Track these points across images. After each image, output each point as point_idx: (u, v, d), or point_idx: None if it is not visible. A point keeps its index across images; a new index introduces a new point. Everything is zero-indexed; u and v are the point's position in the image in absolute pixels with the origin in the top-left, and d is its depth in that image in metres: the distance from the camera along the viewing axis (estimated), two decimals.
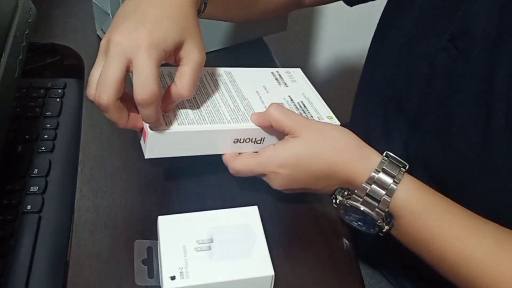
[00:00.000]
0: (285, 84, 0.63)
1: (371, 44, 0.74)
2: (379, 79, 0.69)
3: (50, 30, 0.84)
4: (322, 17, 1.36)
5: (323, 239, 0.59)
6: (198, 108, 0.56)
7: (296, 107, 0.60)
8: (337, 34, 1.38)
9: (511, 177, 0.52)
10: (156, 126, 0.52)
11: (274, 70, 0.65)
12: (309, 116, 0.59)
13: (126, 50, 0.48)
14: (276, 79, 0.64)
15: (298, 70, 0.67)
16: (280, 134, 0.56)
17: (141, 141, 0.55)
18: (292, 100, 0.61)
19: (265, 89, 0.61)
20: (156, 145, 0.53)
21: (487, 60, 0.52)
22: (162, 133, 0.52)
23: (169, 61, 0.53)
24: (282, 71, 0.66)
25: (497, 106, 0.51)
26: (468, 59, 0.54)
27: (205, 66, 0.62)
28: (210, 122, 0.55)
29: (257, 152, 0.57)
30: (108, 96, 0.48)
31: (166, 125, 0.53)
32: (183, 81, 0.51)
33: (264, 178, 0.56)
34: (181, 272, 0.49)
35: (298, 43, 1.40)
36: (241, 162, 0.56)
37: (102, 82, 0.48)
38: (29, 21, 0.70)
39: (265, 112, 0.55)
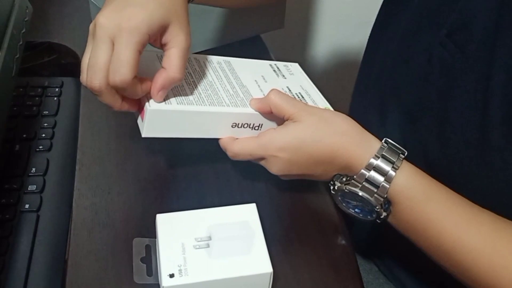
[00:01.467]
0: (283, 76, 0.64)
1: (368, 40, 0.74)
2: (377, 74, 0.69)
3: (47, 28, 0.83)
4: (319, 14, 1.36)
5: (321, 236, 0.59)
6: (197, 91, 0.56)
7: (294, 97, 0.60)
8: (334, 31, 1.38)
9: (507, 171, 0.52)
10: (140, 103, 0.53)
11: (272, 62, 0.66)
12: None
13: (109, 32, 0.47)
14: (274, 70, 0.64)
15: (296, 64, 0.68)
16: (279, 120, 0.56)
17: (138, 120, 0.54)
18: (290, 90, 0.61)
19: (264, 79, 0.62)
20: (154, 124, 0.53)
21: (485, 54, 0.52)
22: (160, 112, 0.52)
23: (155, 45, 0.52)
24: (280, 64, 0.66)
25: (494, 101, 0.51)
26: (465, 54, 0.54)
27: None
28: (209, 104, 0.55)
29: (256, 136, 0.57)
30: (100, 80, 0.48)
31: (165, 104, 0.53)
32: (172, 64, 0.50)
33: (262, 163, 0.56)
34: (180, 270, 0.49)
35: (296, 41, 1.40)
36: (240, 144, 0.55)
37: (92, 67, 0.48)
38: (25, 19, 0.70)
39: (265, 98, 0.55)
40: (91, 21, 0.81)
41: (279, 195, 0.61)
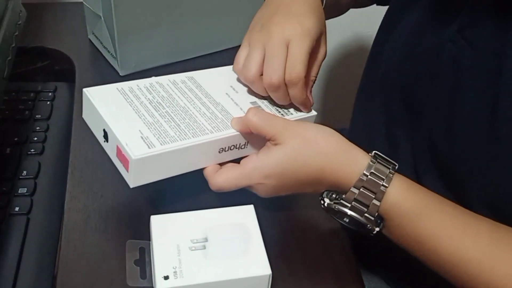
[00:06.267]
0: None
1: (375, 40, 0.73)
2: (383, 73, 0.68)
3: (40, 33, 0.82)
4: None
5: (320, 238, 0.57)
6: (175, 123, 0.52)
7: (271, 103, 0.58)
8: (333, 32, 1.36)
9: None
10: (304, 105, 0.57)
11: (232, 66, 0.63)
12: (285, 112, 0.58)
13: (285, 37, 0.54)
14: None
15: None
16: (262, 138, 0.54)
17: (122, 171, 0.51)
18: (263, 96, 0.59)
19: (233, 89, 0.59)
20: (141, 171, 0.50)
21: (495, 50, 0.51)
22: (146, 158, 0.49)
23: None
24: None
25: (504, 96, 0.50)
26: (475, 50, 0.53)
27: (192, 70, 0.60)
28: (192, 136, 0.51)
29: (237, 162, 0.54)
30: (279, 76, 0.54)
31: (149, 147, 0.49)
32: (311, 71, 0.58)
33: (249, 189, 0.54)
34: (175, 272, 0.48)
35: None
36: (223, 177, 0.53)
37: (270, 66, 0.55)
38: (18, 23, 0.69)
39: (244, 118, 0.53)
40: (86, 26, 0.81)
41: (277, 197, 0.60)
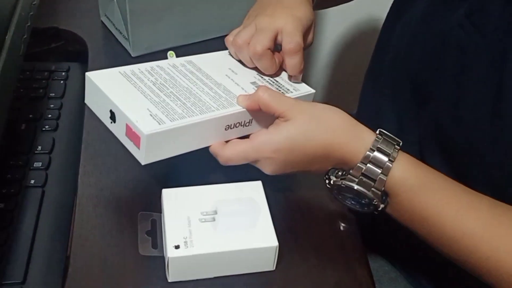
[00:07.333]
0: None
1: (383, 26, 0.74)
2: (391, 59, 0.68)
3: (54, 15, 0.84)
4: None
5: (326, 215, 0.59)
6: (181, 102, 0.53)
7: (270, 83, 0.60)
8: (341, 16, 1.36)
9: None
10: (300, 75, 0.60)
11: (227, 51, 0.64)
12: (285, 90, 0.59)
13: (277, 25, 0.59)
14: (238, 60, 0.63)
15: None
16: (269, 115, 0.55)
17: (132, 150, 0.51)
18: (262, 77, 0.61)
19: (233, 71, 0.61)
20: (152, 148, 0.50)
21: (502, 34, 0.52)
22: (157, 134, 0.50)
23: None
24: None
25: (508, 81, 0.51)
26: (483, 34, 0.54)
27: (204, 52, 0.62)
28: (200, 113, 0.53)
29: (245, 137, 0.56)
30: (263, 45, 0.58)
31: (159, 124, 0.50)
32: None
33: (256, 164, 0.55)
34: (185, 242, 0.49)
35: None
36: (232, 149, 0.54)
37: (260, 34, 0.58)
38: (34, 3, 0.71)
39: (253, 95, 0.54)
40: (99, 8, 0.82)
41: (285, 174, 0.61)
